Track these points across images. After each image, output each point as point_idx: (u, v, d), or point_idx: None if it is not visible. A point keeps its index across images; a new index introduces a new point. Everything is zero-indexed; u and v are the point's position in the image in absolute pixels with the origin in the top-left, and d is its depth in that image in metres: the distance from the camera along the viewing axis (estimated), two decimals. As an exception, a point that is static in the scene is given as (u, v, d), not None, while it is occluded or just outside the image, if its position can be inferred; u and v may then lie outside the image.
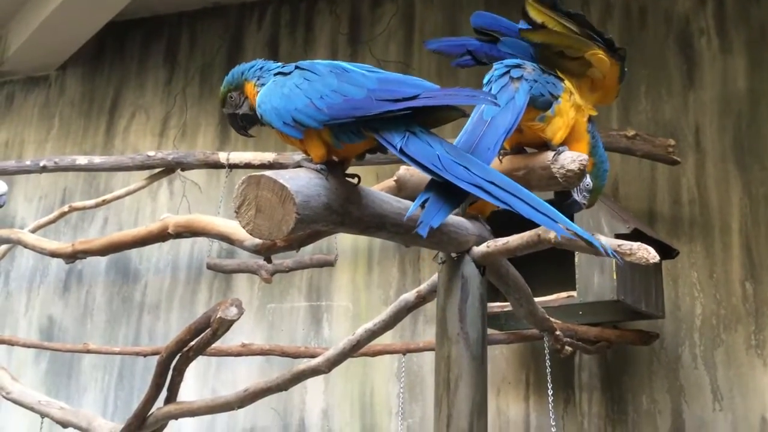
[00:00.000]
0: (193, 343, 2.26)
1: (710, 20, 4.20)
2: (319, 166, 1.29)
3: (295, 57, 4.99)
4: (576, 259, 3.10)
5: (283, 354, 3.42)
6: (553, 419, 2.93)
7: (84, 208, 4.19)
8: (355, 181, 1.36)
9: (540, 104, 1.43)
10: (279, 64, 1.46)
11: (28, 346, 4.14)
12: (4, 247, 4.33)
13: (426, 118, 1.32)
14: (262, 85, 1.43)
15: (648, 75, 4.21)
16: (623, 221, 3.02)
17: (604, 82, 1.56)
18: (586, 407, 3.77)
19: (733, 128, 3.99)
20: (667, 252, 3.32)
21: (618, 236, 3.02)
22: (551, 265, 3.31)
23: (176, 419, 2.72)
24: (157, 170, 4.16)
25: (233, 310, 2.07)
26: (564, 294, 3.14)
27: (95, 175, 5.04)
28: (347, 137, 1.32)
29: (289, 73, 1.38)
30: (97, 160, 4.12)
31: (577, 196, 1.57)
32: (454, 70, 4.68)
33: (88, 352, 3.69)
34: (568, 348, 3.07)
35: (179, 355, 2.34)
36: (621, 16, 4.37)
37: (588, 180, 1.58)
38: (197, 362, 4.23)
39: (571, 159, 1.33)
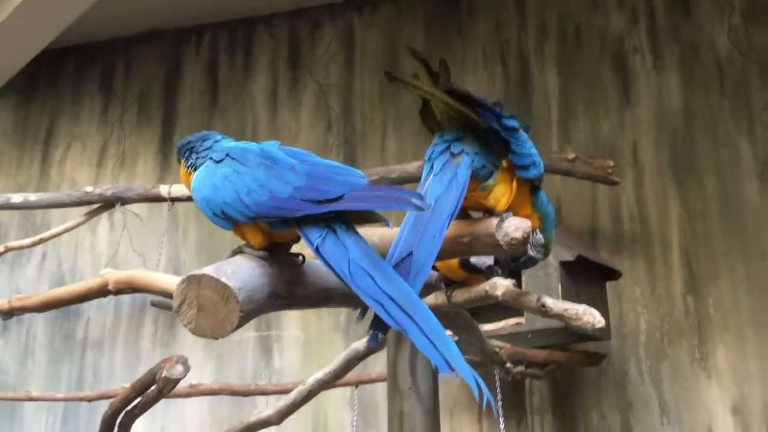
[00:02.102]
0: (137, 400, 2.20)
1: (643, 38, 4.29)
2: (261, 253, 1.28)
3: (235, 81, 4.94)
4: (524, 286, 3.12)
5: (233, 393, 3.37)
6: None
7: (20, 248, 4.07)
8: (299, 260, 1.35)
9: (482, 176, 1.43)
10: (213, 140, 1.43)
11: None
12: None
13: (350, 215, 1.33)
14: (191, 166, 1.42)
15: (585, 94, 4.28)
16: (567, 248, 3.06)
17: None
18: (539, 427, 3.81)
19: (669, 144, 4.08)
20: (609, 274, 3.38)
21: (563, 263, 3.06)
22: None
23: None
24: (95, 206, 4.06)
25: (179, 369, 2.03)
26: (513, 320, 3.16)
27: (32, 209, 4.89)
28: (277, 228, 1.32)
29: (221, 161, 1.36)
30: (33, 197, 3.99)
31: (531, 252, 1.57)
32: (396, 92, 4.68)
33: (31, 399, 3.57)
34: (517, 369, 3.08)
35: (124, 412, 2.28)
36: (557, 36, 4.44)
37: (539, 235, 1.58)
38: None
39: (515, 227, 1.33)
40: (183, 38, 5.14)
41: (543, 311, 1.45)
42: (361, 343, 2.16)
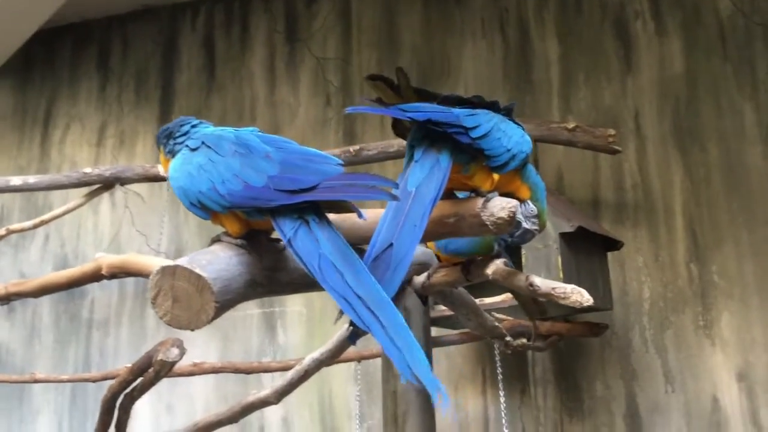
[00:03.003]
0: (136, 383, 2.21)
1: (645, 3, 4.22)
2: (239, 241, 1.26)
3: (232, 57, 4.89)
4: (523, 259, 3.10)
5: (236, 371, 3.38)
6: (505, 422, 2.95)
7: (22, 230, 4.07)
8: (280, 246, 1.33)
9: (464, 159, 1.39)
10: (190, 126, 1.41)
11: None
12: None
13: (324, 203, 1.30)
14: (169, 152, 1.40)
15: (587, 62, 4.22)
16: (567, 219, 3.03)
17: None
18: (542, 398, 3.81)
19: (672, 111, 4.03)
20: (611, 244, 3.35)
21: (562, 235, 3.03)
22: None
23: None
24: (95, 186, 4.04)
25: (174, 351, 2.02)
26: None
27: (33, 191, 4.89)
28: (253, 216, 1.30)
29: (196, 149, 1.33)
30: (32, 179, 3.98)
31: (526, 224, 1.54)
32: (394, 65, 4.62)
33: (35, 381, 3.60)
34: (517, 342, 3.05)
35: (123, 394, 2.28)
36: (556, 3, 4.36)
37: (531, 206, 1.55)
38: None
39: (501, 207, 1.30)
40: (178, 14, 5.08)
41: (531, 290, 1.43)
42: (355, 323, 2.15)
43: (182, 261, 1.07)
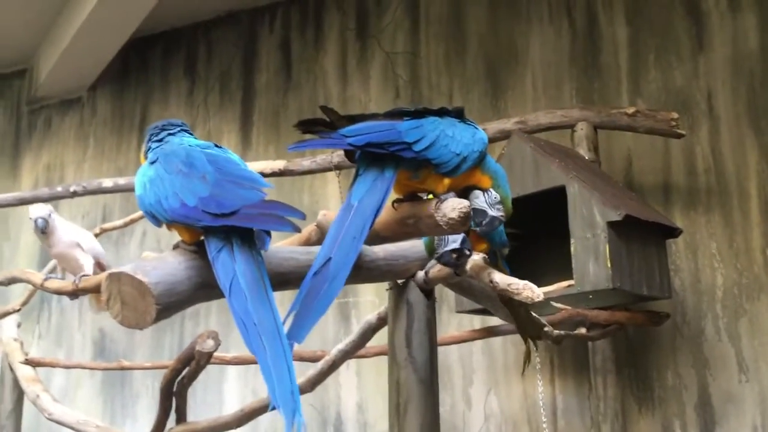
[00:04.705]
0: (184, 372, 2.39)
1: (717, -22, 4.05)
2: (191, 248, 1.37)
3: (307, 57, 5.07)
4: (572, 249, 3.09)
5: (301, 359, 3.54)
6: (543, 412, 2.96)
7: (113, 229, 4.40)
8: None
9: (411, 166, 1.44)
10: (167, 133, 1.52)
11: (70, 367, 4.39)
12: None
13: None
14: (144, 154, 1.52)
15: (656, 43, 4.10)
16: (614, 208, 2.99)
17: None
18: (611, 387, 3.76)
19: (747, 90, 3.86)
20: (670, 231, 3.28)
21: (609, 224, 3.00)
22: (553, 253, 3.33)
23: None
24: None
25: (210, 343, 2.19)
26: (565, 283, 3.14)
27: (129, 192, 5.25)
28: (197, 229, 1.38)
29: (153, 162, 1.45)
30: (122, 181, 4.31)
31: (491, 212, 1.57)
32: (463, 58, 4.66)
33: (122, 369, 3.91)
34: (556, 332, 3.00)
35: (177, 382, 2.48)
36: (625, -16, 4.26)
37: (494, 193, 1.59)
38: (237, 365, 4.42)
39: (452, 208, 1.35)
40: (257, 18, 5.30)
41: (492, 286, 1.48)
42: (373, 316, 2.25)
43: (126, 268, 1.21)
